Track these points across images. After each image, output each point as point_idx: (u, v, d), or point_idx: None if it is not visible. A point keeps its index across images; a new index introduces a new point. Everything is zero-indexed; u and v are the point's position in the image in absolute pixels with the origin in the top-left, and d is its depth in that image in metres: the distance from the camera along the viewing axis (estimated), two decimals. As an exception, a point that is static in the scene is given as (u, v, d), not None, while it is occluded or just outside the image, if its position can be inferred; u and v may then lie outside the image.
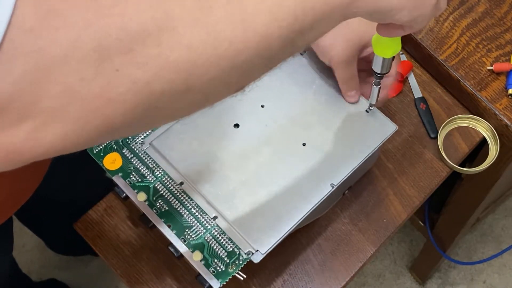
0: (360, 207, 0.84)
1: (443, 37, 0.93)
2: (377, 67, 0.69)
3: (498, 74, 0.90)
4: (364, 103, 0.79)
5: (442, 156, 0.87)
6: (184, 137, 0.77)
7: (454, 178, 1.08)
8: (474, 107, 0.91)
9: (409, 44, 0.94)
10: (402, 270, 1.75)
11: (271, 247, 0.71)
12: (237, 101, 0.79)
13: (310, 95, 0.80)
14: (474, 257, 1.75)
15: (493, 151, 0.89)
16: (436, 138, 0.88)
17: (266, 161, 0.75)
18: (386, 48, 0.67)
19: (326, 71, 0.81)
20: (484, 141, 0.91)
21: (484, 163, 0.88)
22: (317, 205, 0.73)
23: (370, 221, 0.83)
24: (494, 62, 0.91)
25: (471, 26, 0.93)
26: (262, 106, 0.79)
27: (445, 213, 1.32)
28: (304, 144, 0.76)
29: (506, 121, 0.87)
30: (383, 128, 0.78)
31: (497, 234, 1.78)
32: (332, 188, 0.74)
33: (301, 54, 0.83)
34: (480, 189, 1.12)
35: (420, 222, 1.44)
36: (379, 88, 0.74)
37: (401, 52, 0.95)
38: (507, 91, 0.89)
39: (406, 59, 0.95)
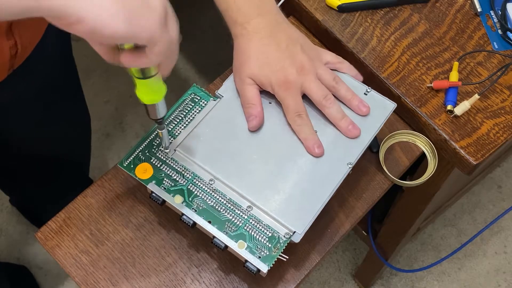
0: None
1: (385, 56, 0.95)
2: (152, 115, 0.70)
3: (437, 91, 0.93)
4: (361, 87, 0.87)
5: (383, 169, 0.89)
6: (205, 139, 0.81)
7: (395, 190, 1.10)
8: (414, 123, 0.93)
9: (353, 62, 0.95)
10: (346, 278, 1.77)
11: (306, 226, 0.76)
12: None
13: None
14: (414, 265, 1.78)
15: (432, 165, 0.91)
16: (378, 152, 0.91)
17: (285, 151, 0.82)
18: (147, 94, 0.66)
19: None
20: (424, 155, 0.93)
21: (423, 176, 0.90)
22: (339, 183, 0.79)
23: (315, 231, 0.84)
24: (433, 79, 0.93)
25: (412, 46, 0.96)
26: (270, 103, 0.85)
27: (387, 223, 1.34)
28: (316, 131, 0.83)
29: (444, 135, 0.89)
30: (383, 106, 0.86)
31: (437, 243, 1.81)
32: (349, 167, 0.80)
33: None
34: (420, 200, 1.14)
35: (363, 231, 1.46)
36: (166, 131, 0.78)
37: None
38: (445, 107, 0.91)
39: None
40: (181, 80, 1.98)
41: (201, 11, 2.06)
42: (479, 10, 0.99)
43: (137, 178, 0.79)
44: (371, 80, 0.95)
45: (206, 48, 2.04)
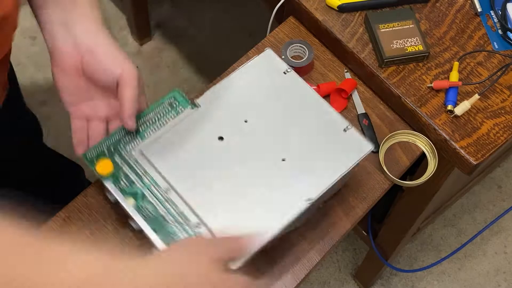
0: (305, 217, 0.86)
1: (385, 56, 0.95)
2: None
3: (438, 91, 0.93)
4: (343, 122, 0.81)
5: (383, 169, 0.89)
6: (172, 147, 0.79)
7: (395, 190, 1.10)
8: (415, 123, 0.93)
9: (353, 62, 0.96)
10: (346, 278, 1.77)
11: (242, 261, 0.68)
12: (222, 115, 0.82)
13: (293, 112, 0.83)
14: (414, 265, 1.78)
15: (432, 165, 0.91)
16: (378, 152, 0.91)
17: (247, 174, 0.78)
18: None
19: (309, 89, 0.84)
20: (424, 155, 0.93)
21: (423, 176, 0.91)
22: (293, 218, 0.75)
23: (315, 231, 0.84)
24: (433, 79, 0.93)
25: (412, 46, 0.96)
26: (246, 121, 0.82)
27: (387, 223, 1.34)
28: (283, 160, 0.79)
29: (444, 135, 0.89)
30: (359, 147, 0.80)
31: (437, 243, 1.81)
32: (308, 203, 0.76)
33: (284, 73, 0.85)
34: (420, 200, 1.14)
35: (363, 231, 1.45)
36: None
37: (346, 70, 0.98)
38: (446, 107, 0.91)
39: (350, 77, 0.97)
40: (181, 80, 1.98)
41: (201, 11, 2.06)
42: (479, 10, 0.99)
43: (95, 173, 0.78)
44: (371, 80, 0.95)
45: (206, 48, 2.04)
